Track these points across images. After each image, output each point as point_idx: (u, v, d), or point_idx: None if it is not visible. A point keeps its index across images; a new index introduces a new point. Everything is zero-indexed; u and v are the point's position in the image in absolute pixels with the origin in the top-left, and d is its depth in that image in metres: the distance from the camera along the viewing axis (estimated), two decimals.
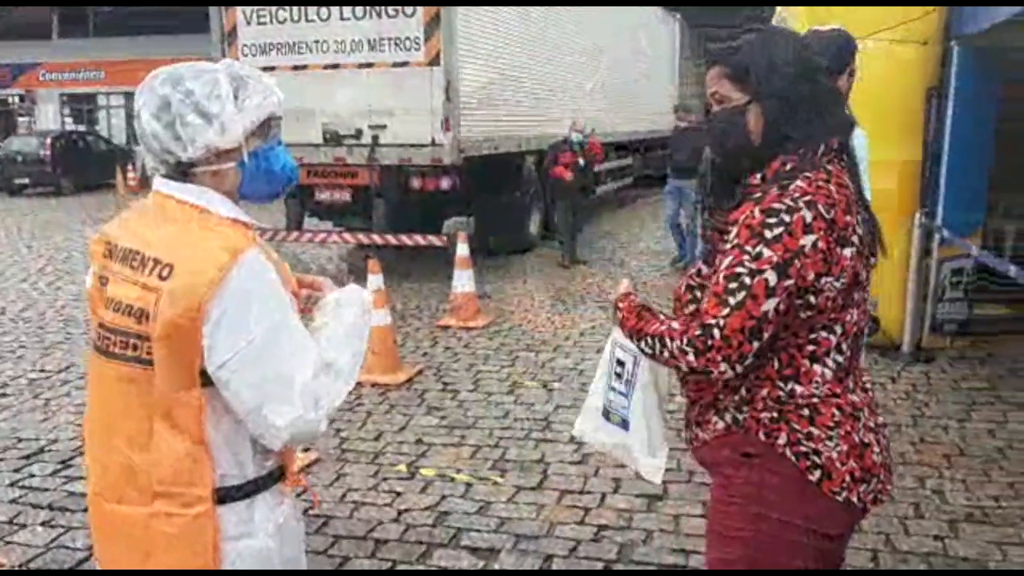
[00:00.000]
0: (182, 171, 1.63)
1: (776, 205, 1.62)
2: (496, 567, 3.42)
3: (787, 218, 1.60)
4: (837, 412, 1.72)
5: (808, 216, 1.60)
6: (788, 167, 1.69)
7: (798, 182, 1.65)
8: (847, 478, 1.71)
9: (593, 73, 14.11)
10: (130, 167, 22.72)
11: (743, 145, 1.75)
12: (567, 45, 12.85)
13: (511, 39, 10.70)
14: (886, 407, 5.17)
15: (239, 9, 9.59)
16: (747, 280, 1.60)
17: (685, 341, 1.63)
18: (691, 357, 1.63)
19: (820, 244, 1.61)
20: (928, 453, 4.48)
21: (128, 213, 1.73)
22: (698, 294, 1.80)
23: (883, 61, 5.87)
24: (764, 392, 1.73)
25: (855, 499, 1.72)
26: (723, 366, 1.62)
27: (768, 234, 1.60)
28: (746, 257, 1.61)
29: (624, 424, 2.06)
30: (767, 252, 1.60)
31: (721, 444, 1.80)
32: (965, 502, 3.92)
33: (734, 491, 1.78)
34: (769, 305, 1.60)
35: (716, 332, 1.61)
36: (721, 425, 1.79)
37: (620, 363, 2.04)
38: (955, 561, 3.41)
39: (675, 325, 1.69)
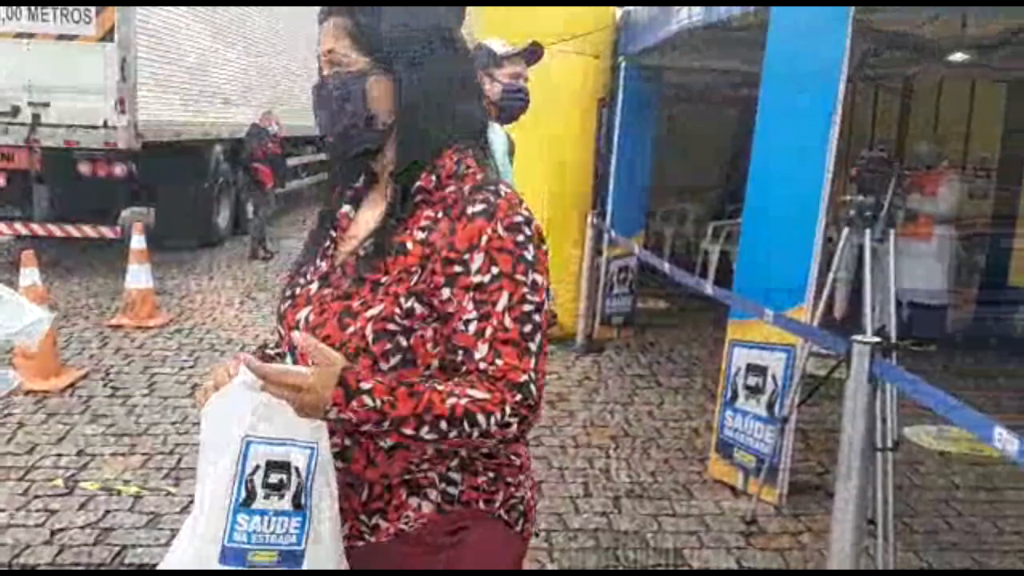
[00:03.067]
0: None
1: (516, 218, 1.34)
2: None
3: (528, 231, 1.35)
4: (524, 447, 1.53)
5: (536, 223, 1.39)
6: (465, 165, 1.41)
7: (501, 186, 1.39)
8: (534, 511, 1.55)
9: (291, 65, 13.74)
10: None
11: (362, 123, 1.40)
12: (262, 36, 12.39)
13: (198, 21, 10.10)
14: (561, 395, 5.52)
15: None
16: (536, 317, 1.33)
17: (509, 411, 1.28)
18: (514, 428, 1.30)
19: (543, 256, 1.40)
20: (597, 435, 4.84)
21: None
22: (403, 342, 1.33)
23: (560, 71, 6.25)
24: (482, 450, 1.42)
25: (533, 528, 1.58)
26: (535, 424, 1.35)
27: (528, 255, 1.34)
28: (525, 290, 1.32)
29: (292, 558, 1.30)
30: (540, 278, 1.35)
31: (425, 531, 1.40)
32: (627, 479, 4.27)
33: None
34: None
35: (533, 388, 1.31)
36: (428, 507, 1.39)
37: (279, 467, 1.29)
38: (618, 535, 3.70)
39: (479, 394, 1.27)
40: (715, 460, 4.34)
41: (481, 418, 1.25)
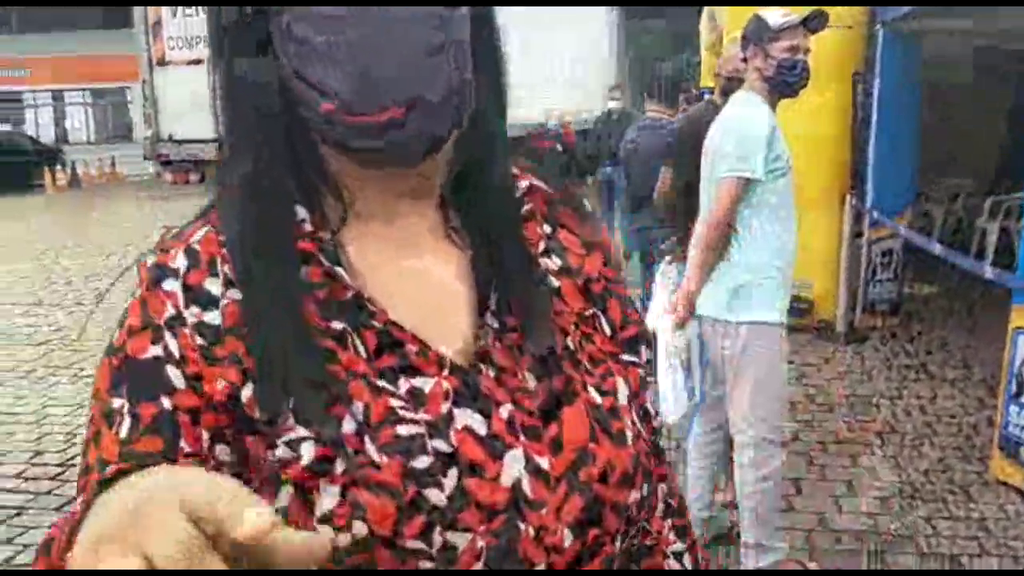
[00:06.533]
0: None
1: None
2: None
3: None
4: None
5: None
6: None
7: None
8: None
9: (551, 61, 14.20)
10: (59, 167, 22.07)
11: None
12: (524, 33, 12.87)
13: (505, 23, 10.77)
14: (820, 387, 5.23)
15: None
16: None
17: None
18: None
19: None
20: (861, 431, 4.54)
21: None
22: None
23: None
24: None
25: None
26: None
27: None
28: None
29: None
30: None
31: None
32: (896, 479, 3.96)
33: None
34: None
35: None
36: None
37: None
38: (886, 537, 3.44)
39: None
40: (998, 459, 3.92)
41: None
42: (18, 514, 3.85)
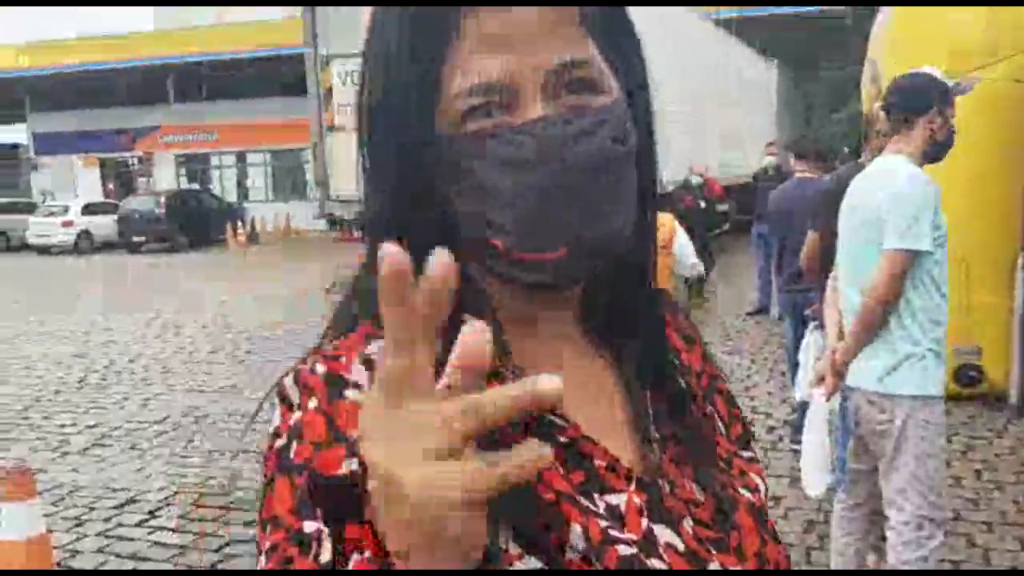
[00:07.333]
0: None
1: None
2: None
3: None
4: None
5: None
6: None
7: None
8: None
9: (703, 114, 14.11)
10: (239, 223, 23.74)
11: None
12: (678, 84, 12.87)
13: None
14: (988, 463, 4.88)
15: (333, 71, 10.02)
16: None
17: None
18: None
19: None
20: None
21: None
22: None
23: (975, 98, 5.65)
24: None
25: None
26: None
27: None
28: None
29: None
30: None
31: None
32: None
33: None
34: None
35: None
36: None
37: None
38: None
39: None
40: None
41: None
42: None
